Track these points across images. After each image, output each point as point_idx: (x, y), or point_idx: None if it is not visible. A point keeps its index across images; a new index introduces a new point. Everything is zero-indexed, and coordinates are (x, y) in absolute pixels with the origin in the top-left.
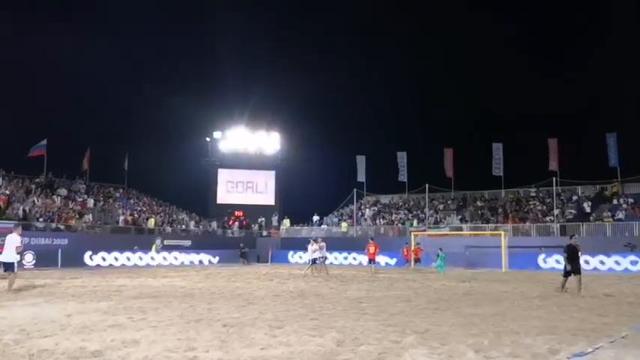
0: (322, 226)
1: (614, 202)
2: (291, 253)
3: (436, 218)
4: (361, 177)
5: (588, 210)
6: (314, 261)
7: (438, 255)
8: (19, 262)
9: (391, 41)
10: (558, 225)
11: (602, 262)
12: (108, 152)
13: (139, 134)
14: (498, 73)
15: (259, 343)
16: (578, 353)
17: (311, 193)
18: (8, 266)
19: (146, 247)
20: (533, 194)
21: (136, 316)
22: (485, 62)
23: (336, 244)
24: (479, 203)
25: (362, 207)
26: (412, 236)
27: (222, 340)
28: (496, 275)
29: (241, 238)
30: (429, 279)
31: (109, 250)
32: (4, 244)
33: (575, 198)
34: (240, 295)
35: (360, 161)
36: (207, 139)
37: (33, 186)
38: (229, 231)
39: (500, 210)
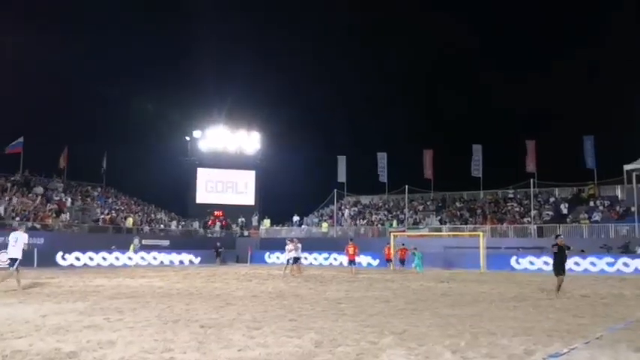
0: (302, 227)
1: (591, 204)
2: (267, 253)
3: (415, 219)
4: (341, 177)
5: (565, 212)
6: (292, 260)
7: (414, 254)
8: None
9: (370, 41)
10: (535, 226)
11: (577, 264)
12: (86, 151)
13: (118, 133)
14: (477, 76)
15: (237, 344)
16: (553, 354)
17: (291, 193)
18: (13, 262)
19: (124, 247)
20: (511, 196)
21: (113, 317)
22: (463, 65)
23: (316, 244)
24: (458, 204)
25: (342, 207)
26: (392, 237)
27: (199, 341)
28: (474, 276)
29: (220, 238)
30: (408, 279)
31: (85, 250)
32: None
33: (552, 200)
34: (219, 296)
35: (341, 161)
36: (187, 138)
37: (9, 184)
38: (208, 231)
39: (478, 211)
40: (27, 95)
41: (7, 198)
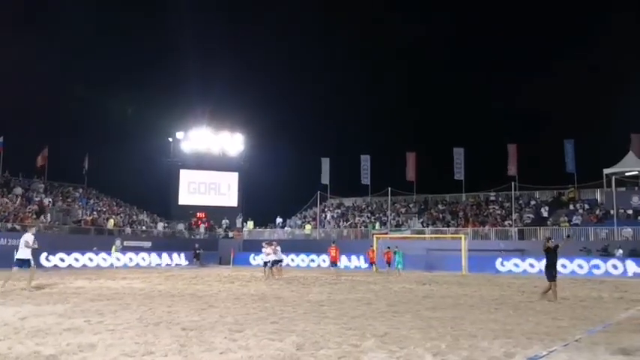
0: (285, 228)
1: (571, 207)
2: (252, 255)
3: (398, 221)
4: (325, 179)
5: (546, 215)
6: (270, 263)
7: (395, 252)
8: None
9: (353, 43)
10: (516, 229)
11: (564, 266)
12: (67, 151)
13: (100, 134)
14: (458, 80)
15: (218, 347)
16: (532, 357)
17: (274, 195)
18: (23, 262)
19: (106, 248)
20: (492, 198)
21: (94, 319)
22: (445, 68)
23: (299, 246)
24: (440, 207)
25: (325, 209)
26: (374, 239)
27: (181, 344)
28: (456, 278)
29: (202, 240)
30: (390, 282)
31: (67, 251)
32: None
33: (533, 203)
34: (201, 298)
35: (324, 164)
36: (169, 139)
37: None
38: (193, 232)
39: (460, 214)
40: (7, 95)
41: None
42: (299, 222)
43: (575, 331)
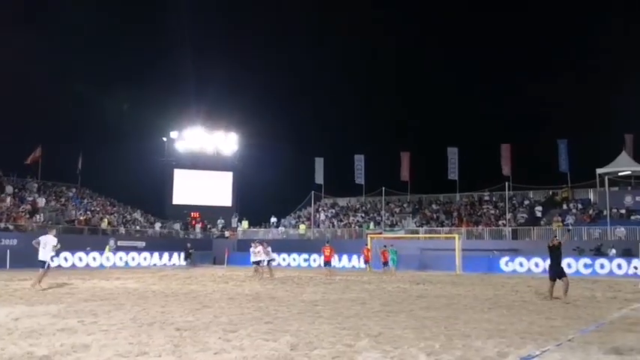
0: (280, 228)
1: (564, 207)
2: (247, 255)
3: (392, 221)
4: (319, 179)
5: (539, 215)
6: (265, 262)
7: (389, 250)
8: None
9: (348, 44)
10: (510, 229)
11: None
12: (61, 151)
13: (94, 133)
14: (453, 79)
15: (213, 347)
16: (525, 356)
17: (269, 195)
18: (42, 264)
19: (99, 248)
20: (486, 198)
21: (87, 320)
22: (439, 68)
23: (293, 246)
24: (434, 206)
25: (319, 209)
26: (369, 239)
27: (175, 345)
28: (450, 278)
29: (199, 240)
30: (384, 281)
31: (59, 251)
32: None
33: (526, 202)
34: (195, 298)
35: (318, 163)
36: (164, 138)
37: None
38: (189, 232)
39: (454, 213)
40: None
41: None
42: (293, 222)
43: (569, 331)
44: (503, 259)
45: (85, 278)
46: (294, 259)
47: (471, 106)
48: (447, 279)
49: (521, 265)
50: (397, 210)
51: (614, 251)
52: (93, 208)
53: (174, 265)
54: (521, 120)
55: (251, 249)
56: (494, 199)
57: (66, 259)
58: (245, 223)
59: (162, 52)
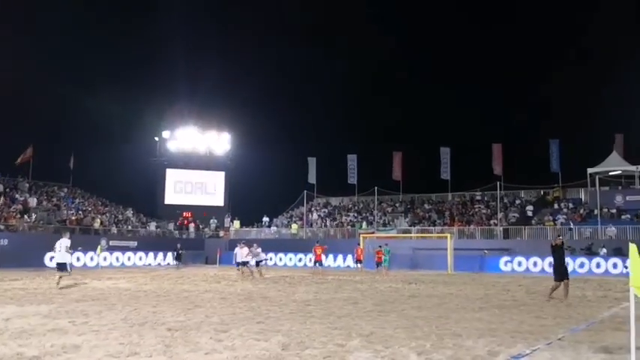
0: (272, 228)
1: (555, 206)
2: None
3: (385, 220)
4: (312, 179)
5: (530, 214)
6: (244, 264)
7: (383, 250)
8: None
9: (338, 43)
10: (502, 228)
11: (550, 265)
12: (52, 150)
13: (85, 133)
14: (445, 79)
15: (204, 347)
16: (516, 355)
17: (261, 195)
18: (62, 266)
19: (91, 248)
20: (478, 198)
21: (78, 320)
22: (433, 68)
23: (286, 245)
24: (426, 206)
25: (312, 209)
26: (361, 238)
27: (166, 345)
28: (441, 277)
29: (191, 240)
30: (377, 281)
31: (51, 250)
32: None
33: (518, 202)
34: (187, 298)
35: (311, 163)
36: (156, 138)
37: None
38: (179, 232)
39: (447, 213)
40: None
41: None
42: (286, 221)
43: (559, 330)
44: (503, 259)
45: (77, 278)
46: (290, 259)
47: (463, 107)
48: (438, 278)
49: (519, 264)
50: (389, 209)
51: (605, 250)
52: (85, 208)
53: (168, 264)
54: (512, 120)
55: (236, 250)
56: (485, 198)
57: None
58: (237, 223)
59: (155, 51)
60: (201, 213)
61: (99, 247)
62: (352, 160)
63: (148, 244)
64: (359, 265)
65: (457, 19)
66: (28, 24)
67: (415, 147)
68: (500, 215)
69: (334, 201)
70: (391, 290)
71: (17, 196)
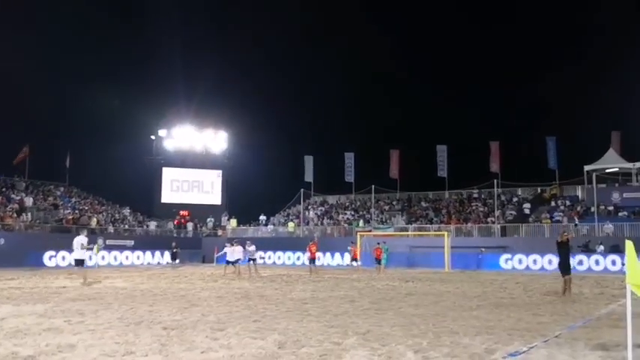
0: (269, 226)
1: (552, 204)
2: None
3: (382, 218)
4: (308, 177)
5: (527, 211)
6: (235, 262)
7: (382, 248)
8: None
9: (335, 42)
10: (499, 226)
11: (549, 262)
12: (49, 150)
13: (81, 132)
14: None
15: (200, 346)
16: (513, 353)
17: (258, 193)
18: (79, 263)
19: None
20: (475, 195)
21: (74, 319)
22: (430, 66)
23: (283, 244)
24: (423, 204)
25: (309, 207)
26: (358, 236)
27: (161, 344)
28: (439, 275)
29: (188, 238)
30: (374, 279)
31: (47, 250)
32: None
33: (515, 200)
34: (184, 297)
35: (308, 161)
36: (152, 137)
37: None
38: (177, 230)
39: (444, 211)
40: None
41: None
42: (283, 220)
43: (556, 327)
44: (503, 257)
45: (73, 277)
46: (288, 258)
47: (460, 104)
48: (435, 276)
49: (519, 262)
50: (386, 208)
51: (602, 247)
52: (81, 207)
53: (167, 263)
54: (509, 118)
55: (226, 248)
56: (483, 196)
57: (51, 257)
58: (233, 222)
59: (151, 49)
60: (198, 212)
61: (96, 246)
62: (349, 158)
63: (146, 243)
64: (354, 263)
65: (455, 17)
66: (26, 23)
67: (412, 145)
68: (497, 213)
69: (331, 199)
70: (388, 288)
71: (13, 195)
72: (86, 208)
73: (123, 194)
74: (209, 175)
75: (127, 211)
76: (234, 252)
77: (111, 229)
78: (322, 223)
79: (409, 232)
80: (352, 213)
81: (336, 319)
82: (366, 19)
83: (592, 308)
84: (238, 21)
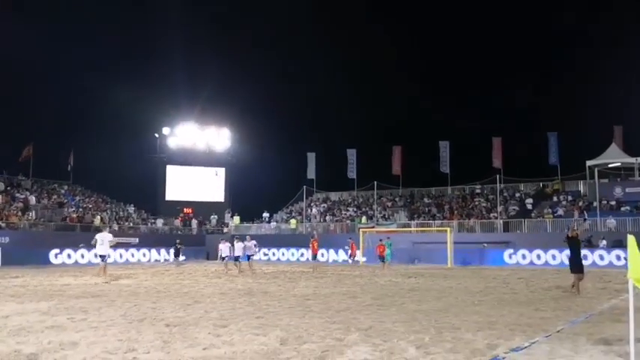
0: (272, 223)
1: (554, 199)
2: None
3: (384, 215)
4: (311, 174)
5: (530, 207)
6: (235, 258)
7: (385, 244)
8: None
9: (337, 39)
10: (502, 221)
11: (553, 257)
12: (53, 148)
13: (85, 130)
14: (443, 73)
15: (202, 342)
16: (515, 348)
17: (261, 190)
18: (103, 258)
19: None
20: (478, 191)
21: (77, 317)
22: (430, 61)
23: (285, 240)
24: (426, 200)
25: (311, 204)
26: (361, 233)
27: (164, 341)
28: (441, 271)
29: (192, 236)
30: (376, 275)
31: (52, 249)
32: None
33: (517, 195)
34: (187, 294)
35: (310, 158)
36: (156, 135)
37: None
38: (183, 228)
39: (446, 207)
40: None
41: None
42: (285, 217)
43: (558, 322)
44: (507, 252)
45: (77, 275)
46: (292, 254)
47: (462, 101)
48: (438, 272)
49: (523, 257)
50: (389, 204)
51: (604, 242)
52: (85, 205)
53: (166, 260)
54: (511, 113)
55: (220, 245)
56: (485, 191)
57: (56, 255)
58: (237, 219)
59: (155, 48)
60: (202, 209)
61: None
62: (352, 154)
63: (150, 241)
64: (351, 259)
65: (458, 13)
66: (28, 22)
67: (414, 141)
68: (500, 208)
69: (334, 196)
70: (391, 284)
71: (18, 194)
72: (90, 206)
73: (127, 192)
74: (212, 173)
75: (131, 208)
76: (238, 248)
77: (115, 226)
78: (325, 220)
79: (412, 229)
80: (355, 209)
81: (338, 315)
82: (366, 18)
83: (594, 303)
84: (242, 19)
